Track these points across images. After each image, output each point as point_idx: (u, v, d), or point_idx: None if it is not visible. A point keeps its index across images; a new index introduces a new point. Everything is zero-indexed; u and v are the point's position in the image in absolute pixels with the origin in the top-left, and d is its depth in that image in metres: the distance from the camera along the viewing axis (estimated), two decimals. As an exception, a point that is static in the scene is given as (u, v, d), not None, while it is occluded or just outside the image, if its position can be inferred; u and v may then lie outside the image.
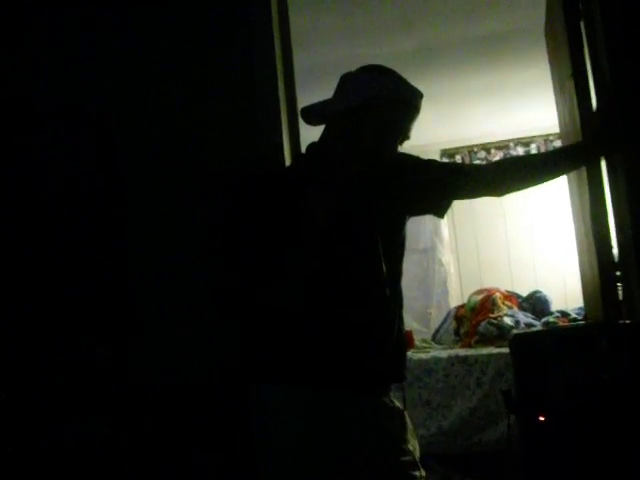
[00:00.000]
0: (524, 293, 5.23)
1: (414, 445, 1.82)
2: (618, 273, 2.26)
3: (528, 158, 1.93)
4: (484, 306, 4.87)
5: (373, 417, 1.76)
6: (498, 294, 5.03)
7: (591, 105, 2.28)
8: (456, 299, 5.83)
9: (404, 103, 1.78)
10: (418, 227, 5.80)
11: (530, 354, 1.97)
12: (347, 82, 1.83)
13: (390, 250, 1.83)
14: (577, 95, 2.25)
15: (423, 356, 4.44)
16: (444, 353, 4.48)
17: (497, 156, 5.98)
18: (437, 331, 5.31)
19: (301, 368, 1.74)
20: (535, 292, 5.19)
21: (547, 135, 5.89)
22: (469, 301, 5.11)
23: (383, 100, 1.75)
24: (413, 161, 1.89)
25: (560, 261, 5.59)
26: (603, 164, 2.24)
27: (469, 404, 4.18)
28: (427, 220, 5.84)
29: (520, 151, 5.98)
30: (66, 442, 2.30)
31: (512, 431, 2.15)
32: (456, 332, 5.06)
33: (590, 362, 1.90)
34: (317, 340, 1.74)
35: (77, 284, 2.43)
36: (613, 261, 2.25)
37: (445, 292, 5.93)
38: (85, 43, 2.53)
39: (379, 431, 1.76)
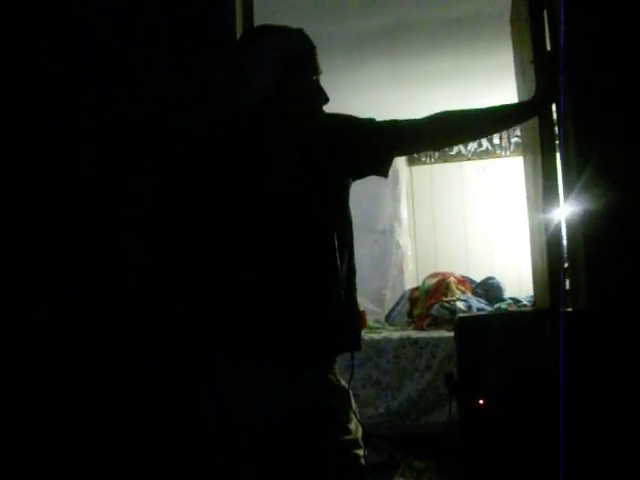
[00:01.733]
0: (479, 279, 5.29)
1: (357, 424, 1.82)
2: (566, 265, 2.29)
3: (469, 113, 1.92)
4: (438, 289, 4.92)
5: (318, 394, 1.76)
6: (452, 278, 5.08)
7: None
8: (411, 282, 5.87)
9: (308, 49, 1.81)
10: (377, 209, 5.82)
11: (473, 337, 1.99)
12: (248, 56, 1.81)
13: (338, 218, 1.82)
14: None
15: (375, 336, 4.47)
16: (396, 334, 4.52)
17: (459, 141, 6.02)
18: (391, 312, 5.35)
19: (252, 342, 1.74)
20: (489, 278, 5.25)
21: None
22: (423, 284, 5.15)
23: (296, 56, 1.77)
24: (353, 122, 1.87)
25: (516, 249, 5.64)
26: (558, 157, 2.27)
27: (418, 386, 4.23)
28: (386, 202, 5.86)
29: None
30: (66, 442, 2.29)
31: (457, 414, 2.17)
32: (409, 314, 5.11)
33: (533, 348, 1.92)
34: (267, 313, 1.73)
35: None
36: (562, 253, 2.28)
37: (401, 274, 5.96)
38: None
39: (324, 408, 1.76)
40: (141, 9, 2.43)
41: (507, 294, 5.10)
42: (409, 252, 6.09)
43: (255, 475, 1.71)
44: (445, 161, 6.16)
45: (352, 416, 1.82)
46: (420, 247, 6.16)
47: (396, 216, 5.96)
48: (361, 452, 1.79)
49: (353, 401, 1.85)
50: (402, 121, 1.89)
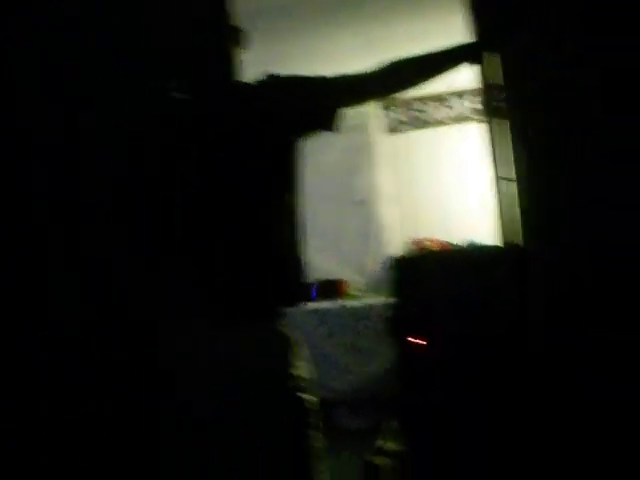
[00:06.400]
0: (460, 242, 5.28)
1: (304, 370, 1.86)
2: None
3: (413, 58, 1.98)
4: (418, 255, 4.92)
5: (257, 343, 1.81)
6: (433, 244, 5.09)
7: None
8: (393, 249, 5.85)
9: None
10: (354, 179, 5.79)
11: (409, 277, 1.97)
12: None
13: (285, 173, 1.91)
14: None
15: (355, 303, 4.50)
16: (376, 300, 4.54)
17: (433, 108, 6.03)
18: (373, 281, 5.36)
19: (197, 300, 1.77)
20: (470, 242, 5.24)
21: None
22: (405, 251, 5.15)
23: None
24: (295, 80, 1.95)
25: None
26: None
27: (399, 349, 4.24)
28: (363, 172, 5.84)
29: (456, 103, 6.03)
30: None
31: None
32: (391, 282, 5.11)
33: (476, 285, 1.92)
34: (210, 270, 1.77)
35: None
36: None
37: (382, 242, 5.96)
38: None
39: (264, 357, 1.81)
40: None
41: (488, 256, 5.08)
42: (389, 220, 6.09)
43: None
44: (420, 128, 6.15)
45: (296, 362, 1.86)
46: (400, 215, 6.15)
47: (373, 185, 5.95)
48: (307, 396, 1.84)
49: (299, 347, 1.88)
50: (348, 75, 1.94)
